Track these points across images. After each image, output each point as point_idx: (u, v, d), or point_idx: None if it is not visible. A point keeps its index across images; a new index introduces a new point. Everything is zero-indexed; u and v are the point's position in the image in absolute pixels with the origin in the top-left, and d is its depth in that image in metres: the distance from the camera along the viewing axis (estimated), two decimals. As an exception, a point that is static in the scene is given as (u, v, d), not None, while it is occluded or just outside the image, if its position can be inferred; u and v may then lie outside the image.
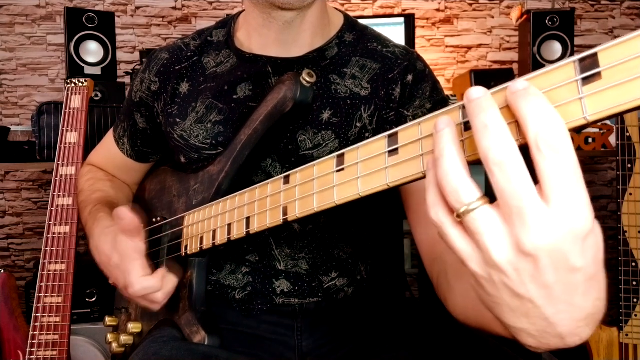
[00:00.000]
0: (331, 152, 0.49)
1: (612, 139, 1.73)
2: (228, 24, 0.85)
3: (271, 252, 0.77)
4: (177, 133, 0.79)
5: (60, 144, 1.23)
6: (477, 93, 0.34)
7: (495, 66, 2.36)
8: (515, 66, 2.27)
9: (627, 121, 1.52)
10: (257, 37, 0.79)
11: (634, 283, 1.51)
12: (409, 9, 2.33)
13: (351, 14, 1.02)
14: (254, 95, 0.76)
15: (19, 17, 2.20)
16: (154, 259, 0.76)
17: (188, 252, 0.71)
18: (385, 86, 0.77)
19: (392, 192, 0.47)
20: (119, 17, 2.18)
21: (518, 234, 0.32)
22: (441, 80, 2.30)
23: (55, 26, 2.21)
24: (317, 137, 0.74)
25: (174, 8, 2.28)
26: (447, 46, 2.36)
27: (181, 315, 0.72)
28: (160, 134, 0.85)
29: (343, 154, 0.48)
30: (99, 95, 1.75)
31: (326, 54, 0.78)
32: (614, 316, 1.55)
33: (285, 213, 0.55)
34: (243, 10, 0.84)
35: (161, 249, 0.77)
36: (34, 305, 1.18)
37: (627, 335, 1.52)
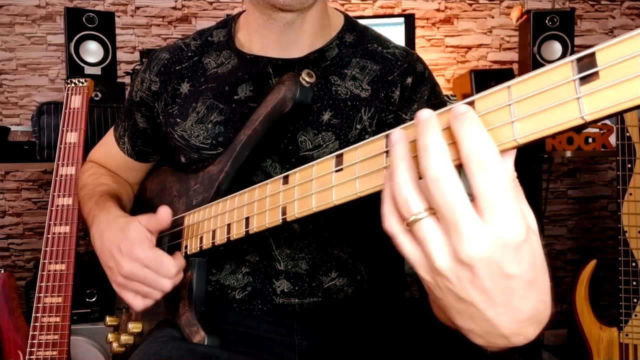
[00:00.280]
0: (331, 153, 0.49)
1: (612, 139, 1.73)
2: (228, 24, 0.85)
3: (271, 252, 0.77)
4: (178, 133, 0.79)
5: (60, 144, 1.22)
6: (424, 115, 0.37)
7: (495, 66, 2.36)
8: (515, 66, 2.27)
9: (627, 121, 1.52)
10: (257, 38, 0.79)
11: (634, 283, 1.51)
12: (409, 9, 2.33)
13: (351, 14, 1.03)
14: (255, 96, 0.76)
15: (19, 17, 2.20)
16: None
17: (188, 252, 0.71)
18: (385, 88, 0.77)
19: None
20: (119, 17, 2.18)
21: (455, 245, 0.35)
22: (441, 81, 2.30)
23: (55, 26, 2.21)
24: (318, 138, 0.74)
25: (174, 8, 2.28)
26: (447, 46, 2.36)
27: (181, 315, 0.73)
28: (160, 134, 0.85)
29: (342, 154, 0.48)
30: (99, 95, 1.75)
31: (326, 54, 0.78)
32: (614, 316, 1.55)
33: (284, 213, 0.55)
34: (243, 11, 0.84)
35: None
36: (34, 305, 1.17)
37: (627, 335, 1.52)
